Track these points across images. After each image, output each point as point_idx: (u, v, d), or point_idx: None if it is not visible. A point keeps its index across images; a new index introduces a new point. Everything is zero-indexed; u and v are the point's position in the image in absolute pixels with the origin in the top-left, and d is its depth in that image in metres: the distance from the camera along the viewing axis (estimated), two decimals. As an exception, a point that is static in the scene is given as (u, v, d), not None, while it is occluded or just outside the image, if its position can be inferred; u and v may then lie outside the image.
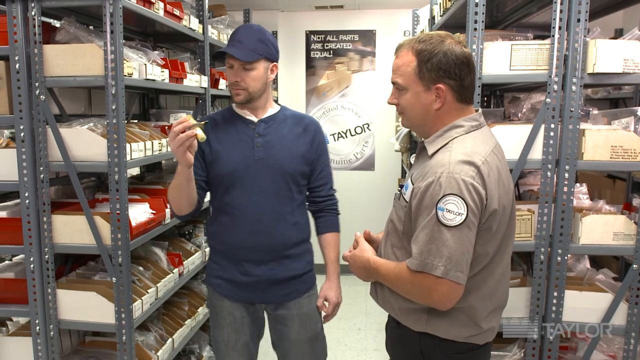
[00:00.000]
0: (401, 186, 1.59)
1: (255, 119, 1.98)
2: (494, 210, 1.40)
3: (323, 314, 2.10)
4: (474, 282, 1.47)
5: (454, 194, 1.35)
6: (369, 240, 1.72)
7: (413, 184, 1.48)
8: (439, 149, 1.48)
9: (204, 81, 3.04)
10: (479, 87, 2.12)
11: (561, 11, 2.07)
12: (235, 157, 1.93)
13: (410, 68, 1.48)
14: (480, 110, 1.57)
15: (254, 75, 1.90)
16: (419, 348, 1.55)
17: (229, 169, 1.93)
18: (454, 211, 1.35)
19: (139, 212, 2.35)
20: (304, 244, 2.06)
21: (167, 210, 2.50)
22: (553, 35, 2.08)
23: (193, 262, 2.83)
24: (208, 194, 2.06)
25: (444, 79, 1.45)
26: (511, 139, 2.17)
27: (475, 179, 1.37)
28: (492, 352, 2.35)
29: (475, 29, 2.10)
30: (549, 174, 2.16)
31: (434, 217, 1.37)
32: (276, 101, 2.11)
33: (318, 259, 2.13)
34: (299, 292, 2.03)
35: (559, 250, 2.19)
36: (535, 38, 2.31)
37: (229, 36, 3.53)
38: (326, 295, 2.06)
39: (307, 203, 2.11)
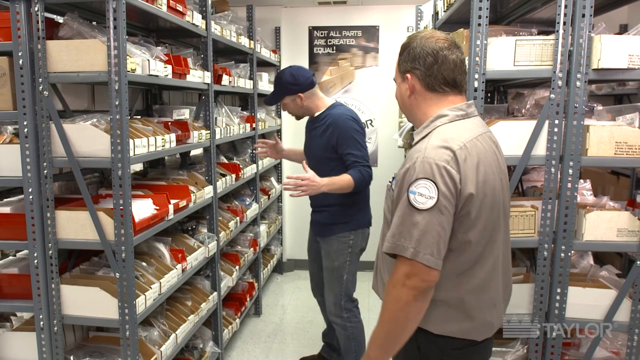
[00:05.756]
0: (393, 178, 1.62)
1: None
2: (470, 195, 1.42)
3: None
4: (463, 274, 1.49)
5: (426, 178, 1.39)
6: None
7: None
8: (422, 138, 1.53)
9: (207, 77, 3.03)
10: (483, 82, 2.12)
11: (566, 6, 2.05)
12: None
13: (396, 63, 1.66)
14: (471, 101, 1.60)
15: (288, 108, 2.95)
16: (415, 343, 1.55)
17: None
18: (425, 195, 1.39)
19: (142, 208, 2.35)
20: (330, 206, 2.86)
21: (170, 206, 2.50)
22: (557, 31, 2.08)
23: (196, 257, 2.84)
24: None
25: (412, 69, 1.57)
26: (515, 135, 2.16)
27: (450, 163, 1.40)
28: (495, 349, 2.35)
29: (479, 25, 2.09)
30: (552, 170, 2.16)
31: (405, 200, 1.42)
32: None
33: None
34: (324, 235, 2.93)
35: (563, 247, 2.18)
36: (539, 34, 2.30)
37: (232, 32, 3.55)
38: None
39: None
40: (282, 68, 5.16)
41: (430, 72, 1.53)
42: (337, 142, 2.75)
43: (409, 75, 1.57)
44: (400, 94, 1.64)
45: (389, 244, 1.44)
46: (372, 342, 1.52)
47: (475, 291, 1.51)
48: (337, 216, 2.86)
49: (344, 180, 2.65)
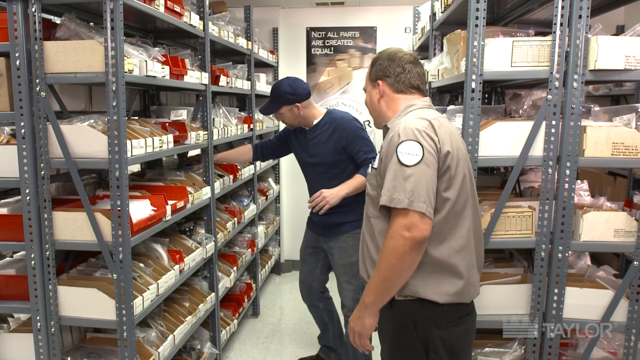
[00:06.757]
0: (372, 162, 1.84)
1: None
2: (447, 152, 1.64)
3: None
4: (447, 236, 1.67)
5: (410, 140, 1.61)
6: None
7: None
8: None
9: (205, 78, 3.03)
10: (480, 83, 2.12)
11: (562, 7, 2.06)
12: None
13: (366, 74, 1.96)
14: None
15: (284, 117, 2.99)
16: (412, 321, 1.67)
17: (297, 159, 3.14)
18: (411, 153, 1.59)
19: (140, 209, 2.35)
20: (338, 208, 2.84)
21: (168, 207, 2.50)
22: (554, 32, 2.08)
23: (194, 258, 2.83)
24: None
25: (383, 77, 1.87)
26: (512, 135, 2.17)
27: (428, 128, 1.64)
28: (493, 349, 2.36)
29: (477, 26, 2.09)
30: (550, 170, 2.16)
31: (395, 159, 1.61)
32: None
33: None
34: (335, 234, 2.97)
35: (560, 247, 2.19)
36: (536, 35, 2.30)
37: (229, 33, 3.55)
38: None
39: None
40: (279, 69, 5.19)
41: (398, 79, 1.84)
42: (347, 143, 2.84)
43: (380, 82, 1.87)
44: (370, 99, 1.93)
45: (385, 197, 1.60)
46: (368, 289, 1.67)
47: (459, 251, 1.68)
48: (348, 215, 2.92)
49: (358, 180, 2.78)
